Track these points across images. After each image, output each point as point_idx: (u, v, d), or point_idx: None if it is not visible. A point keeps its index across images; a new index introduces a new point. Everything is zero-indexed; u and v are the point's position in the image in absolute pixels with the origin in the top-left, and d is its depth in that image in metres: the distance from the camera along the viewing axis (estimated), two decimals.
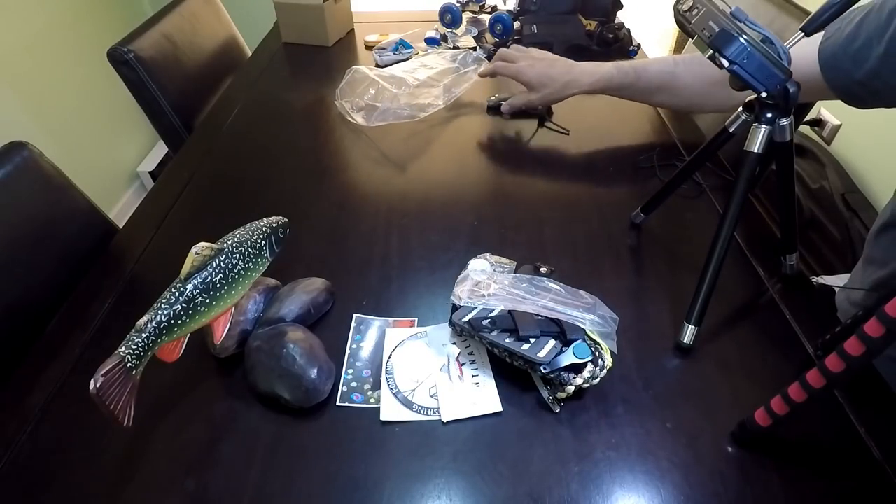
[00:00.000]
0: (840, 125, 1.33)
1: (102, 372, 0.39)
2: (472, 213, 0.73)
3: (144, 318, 0.42)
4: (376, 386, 0.52)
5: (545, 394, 0.50)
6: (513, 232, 0.70)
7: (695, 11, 0.48)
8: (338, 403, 0.50)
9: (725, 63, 0.46)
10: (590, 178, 0.81)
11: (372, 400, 0.51)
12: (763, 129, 0.51)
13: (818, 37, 0.59)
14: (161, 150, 2.17)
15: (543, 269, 0.59)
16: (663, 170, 0.80)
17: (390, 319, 0.58)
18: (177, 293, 0.44)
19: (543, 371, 0.48)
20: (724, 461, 0.46)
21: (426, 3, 1.33)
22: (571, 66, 0.83)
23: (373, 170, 0.84)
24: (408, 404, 0.50)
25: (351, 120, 0.92)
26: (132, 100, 1.10)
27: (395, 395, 0.51)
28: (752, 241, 0.68)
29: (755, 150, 0.52)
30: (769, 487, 0.44)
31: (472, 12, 1.28)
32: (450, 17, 1.21)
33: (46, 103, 1.66)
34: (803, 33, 0.51)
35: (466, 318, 0.52)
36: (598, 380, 0.48)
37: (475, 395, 0.51)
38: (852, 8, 0.50)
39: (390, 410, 0.49)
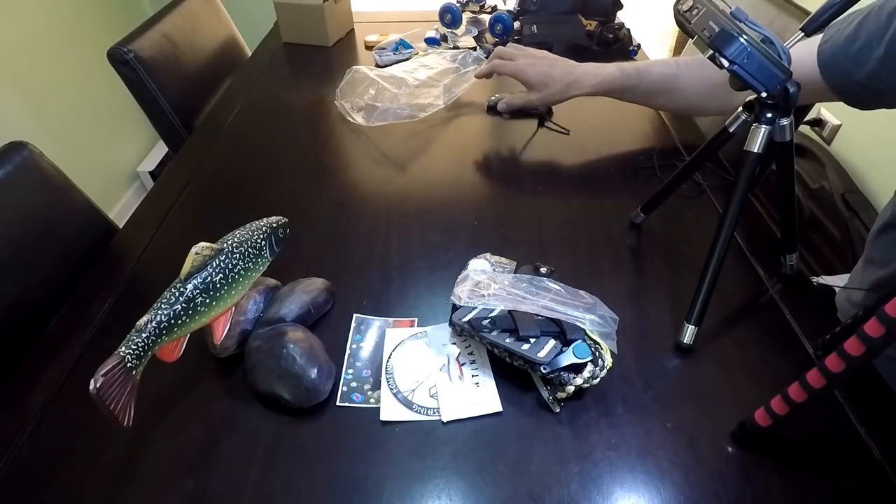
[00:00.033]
0: (840, 125, 1.33)
1: (102, 372, 0.39)
2: (472, 213, 0.73)
3: (144, 318, 0.42)
4: (376, 386, 0.52)
5: (545, 394, 0.50)
6: (513, 232, 0.70)
7: (695, 11, 0.48)
8: (338, 403, 0.50)
9: (725, 63, 0.46)
10: (590, 178, 0.82)
11: (372, 400, 0.51)
12: (763, 129, 0.51)
13: (816, 39, 0.59)
14: (161, 150, 2.17)
15: (543, 269, 0.59)
16: (663, 170, 0.80)
17: (390, 319, 0.58)
18: (177, 293, 0.44)
19: (543, 371, 0.48)
20: (724, 461, 0.46)
21: (426, 3, 1.33)
22: (574, 67, 0.81)
23: (373, 170, 0.84)
24: (408, 404, 0.50)
25: (351, 120, 0.92)
26: (132, 100, 1.10)
27: (395, 395, 0.51)
28: (752, 241, 0.68)
29: (755, 150, 0.52)
30: (769, 487, 0.44)
31: (472, 12, 1.28)
32: (450, 17, 1.21)
33: (46, 103, 1.66)
34: (803, 33, 0.51)
35: (466, 318, 0.52)
36: (598, 380, 0.48)
37: (475, 395, 0.51)
38: (849, 11, 0.50)
39: (390, 410, 0.49)
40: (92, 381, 0.38)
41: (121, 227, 0.76)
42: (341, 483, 0.45)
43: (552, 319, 0.51)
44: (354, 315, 0.59)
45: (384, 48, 1.16)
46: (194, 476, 0.45)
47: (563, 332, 0.50)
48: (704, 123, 0.97)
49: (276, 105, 1.04)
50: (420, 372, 0.53)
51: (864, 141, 1.26)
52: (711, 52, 0.47)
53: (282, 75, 1.16)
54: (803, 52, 0.57)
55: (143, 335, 0.42)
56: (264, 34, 1.33)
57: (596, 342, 0.50)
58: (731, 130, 0.57)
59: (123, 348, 0.41)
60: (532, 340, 0.50)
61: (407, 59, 1.09)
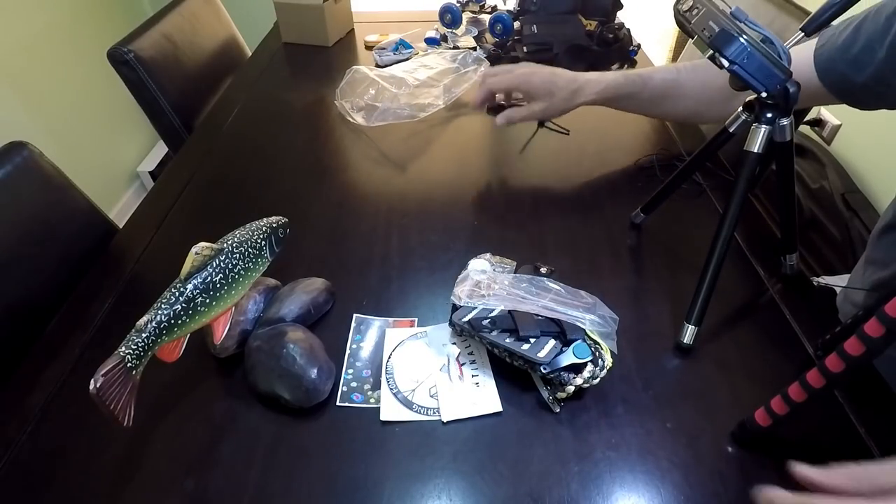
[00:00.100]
0: (840, 125, 1.33)
1: (102, 372, 0.39)
2: (472, 213, 0.73)
3: (144, 318, 0.42)
4: (376, 386, 0.52)
5: (545, 394, 0.50)
6: (513, 232, 0.70)
7: (695, 11, 0.48)
8: (338, 403, 0.50)
9: (725, 63, 0.46)
10: (590, 178, 0.81)
11: (372, 400, 0.51)
12: (763, 129, 0.51)
13: (811, 44, 0.59)
14: (161, 150, 2.17)
15: (543, 269, 0.59)
16: (663, 170, 0.80)
17: (390, 319, 0.58)
18: (177, 293, 0.44)
19: (543, 371, 0.48)
20: (724, 461, 0.46)
21: (426, 3, 1.33)
22: (576, 75, 0.76)
23: (373, 170, 0.84)
24: (408, 404, 0.50)
25: (351, 120, 0.92)
26: (132, 100, 1.10)
27: (395, 395, 0.51)
28: (752, 241, 0.68)
29: (755, 150, 0.52)
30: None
31: (472, 12, 1.28)
32: (450, 17, 1.21)
33: (46, 103, 1.66)
34: (803, 33, 0.51)
35: (466, 318, 0.52)
36: (598, 380, 0.48)
37: (475, 395, 0.51)
38: (844, 15, 0.50)
39: (390, 410, 0.49)
40: (92, 381, 0.38)
41: (121, 227, 0.76)
42: (341, 483, 0.45)
43: (552, 319, 0.51)
44: (354, 315, 0.59)
45: (384, 48, 1.16)
46: (194, 476, 0.45)
47: (563, 332, 0.50)
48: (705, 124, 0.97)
49: (276, 105, 1.04)
50: (420, 372, 0.53)
51: (864, 141, 1.26)
52: (711, 52, 0.47)
53: (282, 75, 1.16)
54: (799, 57, 0.57)
55: (143, 335, 0.42)
56: (264, 34, 1.33)
57: (596, 342, 0.50)
58: (731, 130, 0.57)
59: (123, 348, 0.41)
60: (532, 340, 0.50)
61: (407, 59, 1.09)
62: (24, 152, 0.71)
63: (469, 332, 0.53)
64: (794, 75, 0.47)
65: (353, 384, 0.52)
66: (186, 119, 1.14)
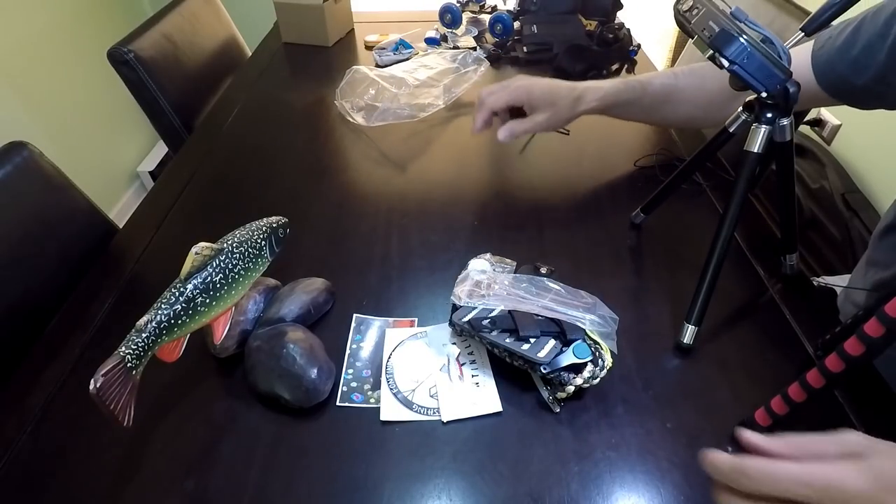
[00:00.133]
0: (840, 125, 1.33)
1: (102, 372, 0.39)
2: (472, 213, 0.73)
3: (144, 318, 0.42)
4: (376, 386, 0.52)
5: (545, 394, 0.50)
6: (513, 232, 0.70)
7: (695, 11, 0.48)
8: (338, 403, 0.50)
9: (725, 63, 0.46)
10: (590, 178, 0.81)
11: (372, 400, 0.51)
12: (763, 129, 0.51)
13: (808, 46, 0.59)
14: (161, 150, 2.17)
15: (543, 269, 0.59)
16: (663, 170, 0.80)
17: (390, 319, 0.58)
18: (177, 293, 0.44)
19: (543, 371, 0.48)
20: None
21: (426, 3, 1.33)
22: (575, 83, 0.73)
23: (373, 170, 0.84)
24: (408, 404, 0.50)
25: (351, 120, 0.92)
26: (132, 100, 1.10)
27: (395, 395, 0.51)
28: (752, 241, 0.68)
29: (755, 150, 0.52)
30: None
31: (472, 12, 1.28)
32: (450, 17, 1.21)
33: (46, 103, 1.66)
34: (803, 33, 0.51)
35: (466, 318, 0.52)
36: (598, 380, 0.48)
37: (475, 395, 0.51)
38: (840, 18, 0.50)
39: (390, 410, 0.49)
40: (92, 381, 0.38)
41: (121, 227, 0.76)
42: (341, 483, 0.45)
43: (552, 319, 0.51)
44: (354, 315, 0.59)
45: (384, 48, 1.16)
46: (194, 476, 0.45)
47: (563, 332, 0.50)
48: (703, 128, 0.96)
49: (276, 105, 1.04)
50: (420, 372, 0.53)
51: (864, 141, 1.26)
52: (711, 52, 0.47)
53: (282, 75, 1.16)
54: (797, 60, 0.57)
55: (143, 335, 0.42)
56: (264, 34, 1.33)
57: (596, 342, 0.50)
58: (731, 130, 0.57)
59: (123, 348, 0.41)
60: (532, 340, 0.50)
61: (407, 59, 1.09)
62: (24, 152, 0.71)
63: (469, 332, 0.53)
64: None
65: (353, 384, 0.52)
66: (186, 119, 1.14)
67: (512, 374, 0.52)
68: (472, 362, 0.54)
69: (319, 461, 0.46)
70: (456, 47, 1.18)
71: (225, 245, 0.47)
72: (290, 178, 0.82)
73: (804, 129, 1.41)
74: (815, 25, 0.51)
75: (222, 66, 1.30)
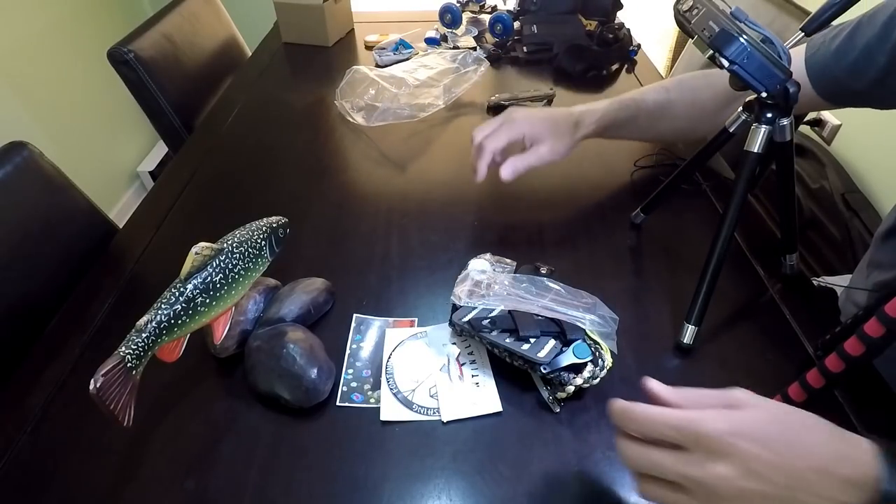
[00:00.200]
0: (840, 125, 1.33)
1: (102, 372, 0.39)
2: (472, 213, 0.73)
3: (144, 318, 0.42)
4: (376, 386, 0.52)
5: (545, 394, 0.50)
6: (513, 232, 0.70)
7: (695, 11, 0.48)
8: (338, 403, 0.50)
9: (725, 63, 0.46)
10: (590, 178, 0.81)
11: (372, 400, 0.51)
12: (763, 129, 0.51)
13: (800, 50, 0.59)
14: (161, 150, 2.17)
15: (543, 269, 0.59)
16: (663, 170, 0.80)
17: (390, 319, 0.58)
18: (177, 293, 0.44)
19: (543, 371, 0.48)
20: None
21: (426, 3, 1.33)
22: (570, 109, 0.71)
23: (373, 170, 0.84)
24: (408, 404, 0.50)
25: (351, 120, 0.92)
26: (132, 100, 1.10)
27: (395, 395, 0.51)
28: (752, 241, 0.68)
29: (755, 150, 0.52)
30: None
31: (472, 12, 1.28)
32: (450, 17, 1.21)
33: (46, 103, 1.66)
34: (803, 33, 0.51)
35: (466, 318, 0.52)
36: (598, 380, 0.48)
37: (475, 395, 0.51)
38: (839, 19, 0.50)
39: (390, 410, 0.49)
40: (92, 381, 0.38)
41: (121, 227, 0.76)
42: (341, 483, 0.45)
43: (552, 319, 0.51)
44: (354, 315, 0.59)
45: (384, 48, 1.16)
46: (194, 476, 0.45)
47: (563, 332, 0.50)
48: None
49: (276, 105, 1.04)
50: (420, 372, 0.53)
51: (864, 141, 1.26)
52: (711, 52, 0.47)
53: (282, 75, 1.16)
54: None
55: (143, 335, 0.42)
56: (264, 34, 1.33)
57: (596, 342, 0.50)
58: (731, 130, 0.57)
59: (123, 348, 0.41)
60: (532, 340, 0.50)
61: (407, 59, 1.09)
62: (24, 152, 0.71)
63: (469, 332, 0.53)
64: None
65: (353, 384, 0.52)
66: (186, 119, 1.15)
67: (512, 374, 0.52)
68: (472, 362, 0.54)
69: (319, 461, 0.46)
70: (456, 47, 1.18)
71: (225, 245, 0.47)
72: (290, 178, 0.82)
73: (804, 129, 1.41)
74: (815, 25, 0.51)
75: (222, 66, 1.30)
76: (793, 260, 0.62)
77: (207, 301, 0.45)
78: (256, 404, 0.50)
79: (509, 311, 0.52)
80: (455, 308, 0.54)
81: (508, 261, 0.61)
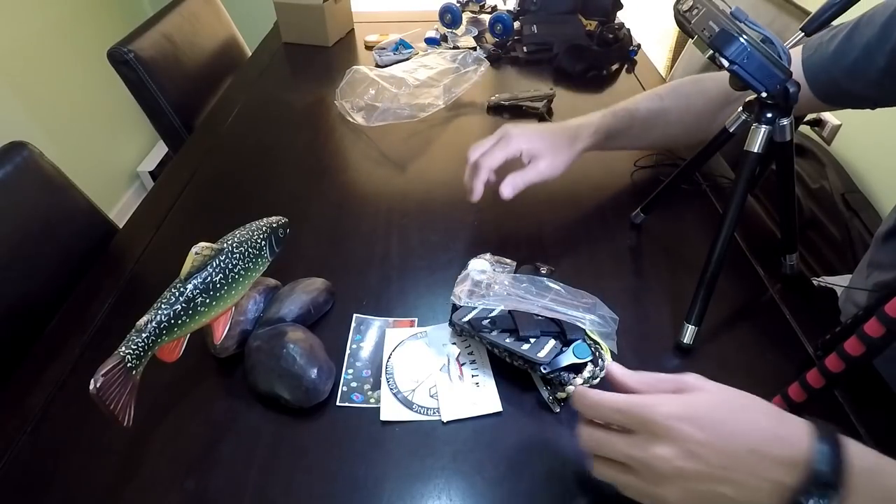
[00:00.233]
0: (840, 125, 1.32)
1: (102, 372, 0.39)
2: (472, 213, 0.73)
3: (144, 318, 0.42)
4: (376, 386, 0.52)
5: (545, 394, 0.50)
6: (513, 232, 0.70)
7: (695, 11, 0.48)
8: (338, 403, 0.50)
9: (725, 63, 0.46)
10: (590, 178, 0.81)
11: (372, 400, 0.51)
12: (763, 129, 0.51)
13: (797, 52, 0.59)
14: (161, 150, 2.17)
15: (543, 269, 0.59)
16: (663, 170, 0.80)
17: (390, 319, 0.58)
18: (177, 293, 0.44)
19: (543, 371, 0.48)
20: None
21: (426, 3, 1.33)
22: (565, 122, 0.70)
23: (373, 170, 0.84)
24: (408, 404, 0.50)
25: (351, 120, 0.92)
26: (132, 100, 1.10)
27: (395, 395, 0.51)
28: (752, 241, 0.68)
29: (755, 150, 0.52)
30: None
31: (472, 12, 1.28)
32: (450, 17, 1.21)
33: (46, 103, 1.66)
34: (803, 33, 0.51)
35: (466, 318, 0.52)
36: (598, 380, 0.48)
37: (475, 395, 0.51)
38: (839, 19, 0.50)
39: (390, 410, 0.49)
40: (92, 381, 0.38)
41: (121, 227, 0.76)
42: (341, 483, 0.45)
43: (552, 319, 0.51)
44: (354, 315, 0.59)
45: (384, 48, 1.16)
46: (194, 476, 0.45)
47: (563, 332, 0.50)
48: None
49: (276, 105, 1.04)
50: (420, 372, 0.53)
51: (864, 141, 1.26)
52: (711, 52, 0.47)
53: (282, 75, 1.16)
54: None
55: (143, 335, 0.42)
56: (264, 34, 1.33)
57: (596, 342, 0.50)
58: (731, 130, 0.57)
59: (123, 348, 0.41)
60: (532, 340, 0.50)
61: (407, 59, 1.09)
62: (24, 152, 0.71)
63: (469, 332, 0.53)
64: None
65: (353, 384, 0.52)
66: (186, 119, 1.15)
67: (512, 374, 0.52)
68: (472, 362, 0.54)
69: (319, 461, 0.46)
70: (456, 47, 1.18)
71: (225, 245, 0.47)
72: (290, 178, 0.82)
73: (804, 129, 1.41)
74: (815, 25, 0.51)
75: (222, 66, 1.30)
76: (793, 260, 0.62)
77: (207, 301, 0.45)
78: (256, 404, 0.50)
79: (509, 311, 0.52)
80: (455, 308, 0.54)
81: (508, 261, 0.61)
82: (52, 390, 0.53)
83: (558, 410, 0.49)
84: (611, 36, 1.12)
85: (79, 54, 1.78)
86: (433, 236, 0.69)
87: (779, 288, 0.62)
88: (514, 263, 0.61)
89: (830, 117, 1.35)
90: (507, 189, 0.64)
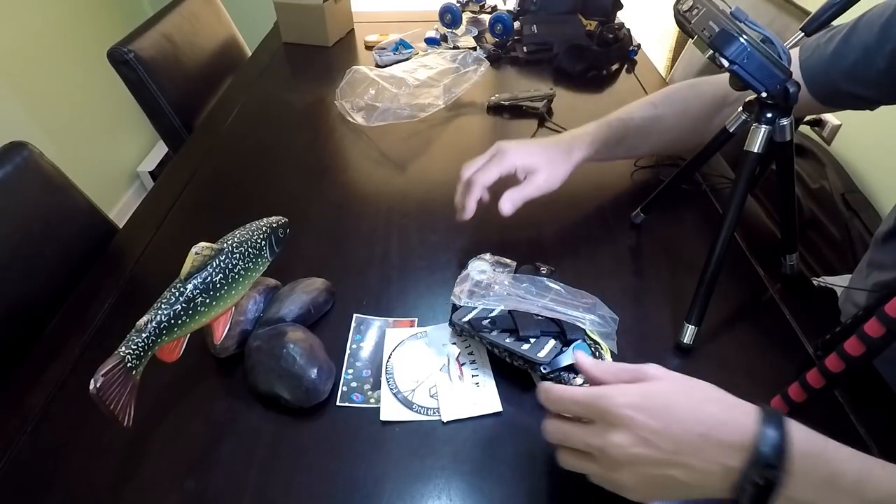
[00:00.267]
0: (840, 125, 1.32)
1: (102, 372, 0.39)
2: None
3: (144, 318, 0.42)
4: (376, 386, 0.52)
5: None
6: (513, 232, 0.70)
7: (695, 11, 0.48)
8: (338, 403, 0.50)
9: (725, 63, 0.46)
10: (590, 178, 0.81)
11: (372, 400, 0.51)
12: (763, 129, 0.51)
13: (793, 54, 0.59)
14: (161, 150, 2.17)
15: (543, 269, 0.59)
16: (663, 170, 0.80)
17: (390, 319, 0.58)
18: (177, 293, 0.44)
19: (543, 371, 0.48)
20: None
21: (426, 3, 1.33)
22: (558, 136, 0.70)
23: (373, 170, 0.84)
24: (408, 404, 0.50)
25: (351, 120, 0.92)
26: (132, 100, 1.10)
27: (395, 395, 0.51)
28: (752, 241, 0.68)
29: (755, 150, 0.52)
30: None
31: (472, 12, 1.28)
32: (450, 17, 1.21)
33: (46, 103, 1.66)
34: (803, 33, 0.51)
35: (466, 318, 0.52)
36: None
37: (475, 395, 0.51)
38: (839, 19, 0.50)
39: (390, 410, 0.49)
40: (92, 381, 0.38)
41: (121, 227, 0.76)
42: (341, 483, 0.45)
43: (552, 319, 0.51)
44: (354, 315, 0.59)
45: (384, 48, 1.16)
46: (194, 476, 0.45)
47: (563, 332, 0.50)
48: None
49: (276, 105, 1.04)
50: (420, 372, 0.53)
51: (864, 141, 1.26)
52: (711, 52, 0.47)
53: (282, 75, 1.16)
54: None
55: (143, 335, 0.42)
56: (264, 34, 1.33)
57: (596, 342, 0.50)
58: (731, 130, 0.57)
59: (123, 348, 0.41)
60: (532, 340, 0.50)
61: (407, 59, 1.09)
62: (24, 152, 0.71)
63: (469, 332, 0.53)
64: None
65: (353, 384, 0.52)
66: (186, 119, 1.15)
67: (512, 374, 0.52)
68: (472, 362, 0.54)
69: (319, 461, 0.46)
70: (456, 47, 1.18)
71: (225, 245, 0.47)
72: (290, 178, 0.82)
73: (804, 129, 1.41)
74: (815, 25, 0.51)
75: (222, 66, 1.30)
76: (793, 260, 0.62)
77: (207, 301, 0.45)
78: (256, 404, 0.50)
79: (509, 311, 0.52)
80: (455, 308, 0.54)
81: (508, 261, 0.61)
82: (52, 390, 0.53)
83: None
84: (611, 36, 1.12)
85: (79, 54, 1.78)
86: (433, 236, 0.69)
87: (779, 288, 0.62)
88: (514, 263, 0.61)
89: (830, 117, 1.35)
90: (507, 205, 0.63)
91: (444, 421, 0.49)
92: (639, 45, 1.18)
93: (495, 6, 1.27)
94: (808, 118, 1.25)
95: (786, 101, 0.49)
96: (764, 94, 0.48)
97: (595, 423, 0.37)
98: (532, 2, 1.19)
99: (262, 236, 0.50)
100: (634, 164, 0.82)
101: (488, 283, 0.55)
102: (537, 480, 0.44)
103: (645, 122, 0.71)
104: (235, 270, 0.47)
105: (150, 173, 2.09)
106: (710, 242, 0.54)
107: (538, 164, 0.64)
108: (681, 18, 0.49)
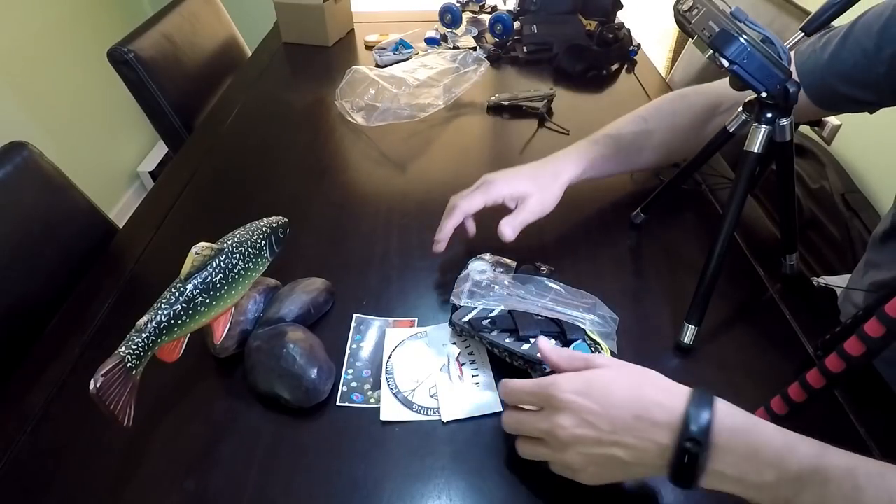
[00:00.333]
0: (840, 125, 1.33)
1: (102, 372, 0.39)
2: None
3: (144, 318, 0.42)
4: (376, 386, 0.52)
5: None
6: None
7: (695, 11, 0.48)
8: (338, 403, 0.50)
9: (725, 63, 0.46)
10: (590, 178, 0.81)
11: (372, 400, 0.51)
12: (763, 129, 0.51)
13: (792, 55, 0.59)
14: (161, 150, 2.17)
15: (543, 269, 0.59)
16: (663, 170, 0.80)
17: (390, 319, 0.58)
18: (177, 293, 0.44)
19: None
20: None
21: (426, 3, 1.33)
22: (543, 159, 0.68)
23: (373, 170, 0.84)
24: (408, 404, 0.50)
25: (351, 120, 0.92)
26: (132, 100, 1.10)
27: (395, 395, 0.51)
28: (752, 241, 0.68)
29: (755, 150, 0.52)
30: None
31: (472, 12, 1.28)
32: (450, 17, 1.21)
33: (46, 103, 1.66)
34: (803, 33, 0.51)
35: (466, 318, 0.52)
36: None
37: (475, 395, 0.51)
38: (839, 19, 0.50)
39: (390, 410, 0.49)
40: (92, 381, 0.38)
41: (121, 227, 0.76)
42: (341, 483, 0.45)
43: (552, 319, 0.51)
44: (354, 315, 0.59)
45: (384, 48, 1.16)
46: (194, 476, 0.45)
47: (563, 332, 0.50)
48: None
49: (276, 105, 1.04)
50: (420, 372, 0.53)
51: (864, 141, 1.26)
52: (711, 52, 0.47)
53: (282, 75, 1.16)
54: None
55: (143, 335, 0.42)
56: (264, 34, 1.33)
57: (596, 342, 0.50)
58: (731, 130, 0.57)
59: (123, 348, 0.41)
60: (532, 340, 0.50)
61: (407, 59, 1.09)
62: (24, 152, 0.71)
63: (469, 332, 0.53)
64: None
65: (353, 384, 0.52)
66: (186, 119, 1.15)
67: (512, 375, 0.52)
68: (472, 362, 0.54)
69: (319, 461, 0.46)
70: (456, 47, 1.18)
71: (225, 245, 0.47)
72: (290, 178, 0.82)
73: (804, 129, 1.41)
74: (815, 25, 0.51)
75: (222, 66, 1.30)
76: (793, 260, 0.62)
77: (207, 301, 0.45)
78: (256, 404, 0.50)
79: (509, 311, 0.52)
80: (455, 308, 0.54)
81: (508, 261, 0.61)
82: (52, 390, 0.53)
83: None
84: (611, 36, 1.12)
85: (79, 54, 1.78)
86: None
87: (779, 288, 0.62)
88: (515, 263, 0.61)
89: (830, 117, 1.35)
90: (507, 230, 0.61)
91: (444, 421, 0.49)
92: (639, 45, 1.18)
93: (495, 6, 1.27)
94: None
95: (786, 101, 0.49)
96: (764, 94, 0.48)
97: (544, 409, 0.41)
98: (532, 2, 1.19)
99: (262, 236, 0.50)
100: None
101: (488, 284, 0.55)
102: (537, 481, 0.44)
103: (636, 136, 0.70)
104: (235, 270, 0.47)
105: (150, 173, 2.09)
106: (709, 242, 0.54)
107: (528, 190, 0.64)
108: (681, 18, 0.49)
